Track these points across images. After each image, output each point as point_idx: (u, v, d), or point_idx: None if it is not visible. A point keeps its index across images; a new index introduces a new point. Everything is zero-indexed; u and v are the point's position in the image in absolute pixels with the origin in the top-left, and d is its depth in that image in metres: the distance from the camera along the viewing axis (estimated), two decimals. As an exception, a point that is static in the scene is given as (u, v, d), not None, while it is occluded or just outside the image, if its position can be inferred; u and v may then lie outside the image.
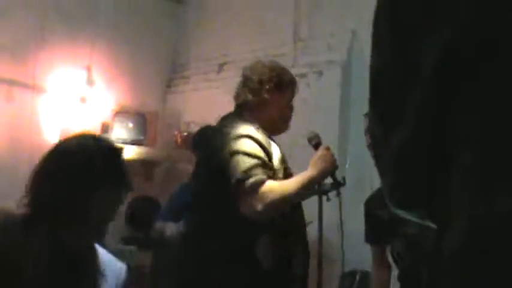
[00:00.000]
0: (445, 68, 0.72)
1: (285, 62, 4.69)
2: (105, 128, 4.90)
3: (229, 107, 5.16)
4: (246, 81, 2.66)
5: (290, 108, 2.74)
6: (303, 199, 2.68)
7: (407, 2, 0.79)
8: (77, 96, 4.90)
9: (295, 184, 2.42)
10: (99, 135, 1.98)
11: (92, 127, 4.87)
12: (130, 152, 4.79)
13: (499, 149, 0.67)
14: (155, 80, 5.53)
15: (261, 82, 2.62)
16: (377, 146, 0.83)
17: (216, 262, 2.35)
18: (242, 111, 2.62)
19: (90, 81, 4.99)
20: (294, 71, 4.56)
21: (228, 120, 2.59)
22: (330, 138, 4.16)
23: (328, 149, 2.55)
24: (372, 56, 0.83)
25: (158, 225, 3.88)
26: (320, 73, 4.29)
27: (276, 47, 4.72)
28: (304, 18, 4.59)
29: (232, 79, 5.12)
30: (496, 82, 0.69)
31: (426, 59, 0.73)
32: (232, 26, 5.15)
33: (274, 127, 2.65)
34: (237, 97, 2.69)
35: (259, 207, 2.29)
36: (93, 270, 1.82)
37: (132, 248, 4.65)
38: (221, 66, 5.21)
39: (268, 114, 2.61)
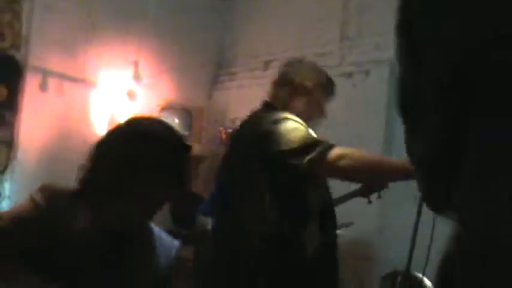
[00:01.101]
0: (455, 87, 0.75)
1: (332, 61, 4.67)
2: (152, 122, 4.97)
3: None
4: (288, 82, 2.62)
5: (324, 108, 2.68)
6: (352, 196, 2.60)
7: (418, 23, 0.85)
8: (124, 91, 4.98)
9: (389, 161, 2.32)
10: (171, 125, 1.86)
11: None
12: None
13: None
14: (201, 76, 5.57)
15: (305, 84, 2.59)
16: (408, 156, 0.86)
17: (263, 247, 2.28)
18: (277, 107, 2.57)
19: (137, 77, 5.06)
20: (340, 70, 4.56)
21: (264, 111, 2.54)
22: (375, 139, 4.12)
23: None
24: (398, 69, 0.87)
25: (200, 219, 3.93)
26: (367, 72, 4.26)
27: (322, 45, 4.70)
28: (352, 16, 4.55)
29: (278, 77, 5.14)
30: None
31: (437, 76, 0.77)
32: (279, 23, 5.14)
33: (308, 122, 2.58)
34: (274, 97, 2.64)
35: (342, 162, 2.20)
36: (143, 246, 1.80)
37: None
38: (267, 64, 5.21)
39: (307, 113, 2.57)
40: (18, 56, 4.52)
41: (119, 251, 1.74)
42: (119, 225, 1.73)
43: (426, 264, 2.51)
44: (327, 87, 2.65)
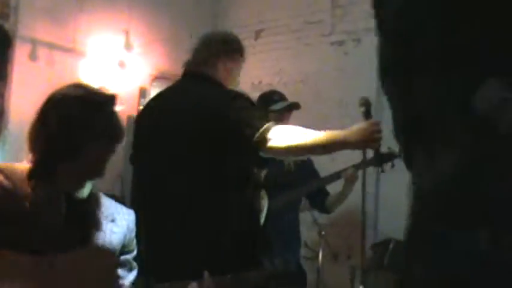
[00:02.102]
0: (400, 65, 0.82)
1: (323, 30, 4.66)
2: (143, 92, 4.95)
3: (264, 73, 5.16)
4: (212, 49, 2.66)
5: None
6: (360, 167, 2.58)
7: None
8: (115, 61, 4.95)
9: (321, 137, 2.31)
10: (91, 86, 2.00)
11: (130, 91, 4.92)
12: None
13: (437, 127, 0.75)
14: (193, 45, 5.53)
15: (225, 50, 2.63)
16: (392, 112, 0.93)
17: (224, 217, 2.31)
18: (209, 77, 2.59)
19: (128, 46, 5.02)
20: (331, 39, 4.55)
21: (203, 85, 2.55)
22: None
23: (376, 124, 2.37)
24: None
25: None
26: (358, 40, 4.25)
27: (313, 14, 4.68)
28: (343, -16, 4.53)
29: (268, 46, 5.12)
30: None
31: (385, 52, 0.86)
32: (271, -8, 5.11)
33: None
34: (203, 64, 2.65)
35: (274, 142, 2.24)
36: (98, 215, 1.90)
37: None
38: (258, 33, 5.19)
39: (230, 81, 2.60)
40: (7, 25, 4.47)
41: (78, 220, 1.85)
42: (72, 186, 1.86)
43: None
44: (243, 51, 2.71)
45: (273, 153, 2.30)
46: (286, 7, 4.94)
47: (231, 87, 2.56)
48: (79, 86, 1.95)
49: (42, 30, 4.62)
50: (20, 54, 4.52)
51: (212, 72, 2.57)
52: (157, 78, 5.06)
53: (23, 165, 1.85)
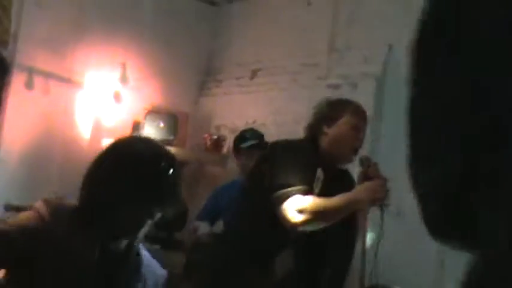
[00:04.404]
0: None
1: (319, 73, 4.69)
2: (136, 126, 4.94)
3: (259, 112, 5.16)
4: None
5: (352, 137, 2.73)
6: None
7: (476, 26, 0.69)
8: (110, 93, 4.96)
9: (338, 202, 2.41)
10: (162, 144, 1.97)
11: (123, 124, 4.92)
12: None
13: None
14: (188, 81, 5.57)
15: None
16: (417, 172, 0.78)
17: (236, 264, 2.36)
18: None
19: (124, 79, 5.04)
20: (327, 82, 4.57)
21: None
22: (361, 151, 4.13)
23: (385, 181, 2.49)
24: (416, 88, 0.76)
25: (194, 224, 3.98)
26: (354, 85, 4.27)
27: (310, 57, 4.72)
28: (340, 28, 4.57)
29: (264, 85, 5.15)
30: None
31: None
32: (268, 33, 5.15)
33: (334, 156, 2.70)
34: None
35: (296, 218, 2.30)
36: (133, 272, 1.85)
37: (156, 247, 4.66)
38: (254, 72, 5.22)
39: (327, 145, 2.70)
40: (5, 53, 4.48)
41: (111, 274, 1.80)
42: (111, 238, 1.82)
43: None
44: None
45: (298, 228, 2.36)
46: (283, 48, 4.98)
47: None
48: (152, 144, 1.91)
49: (40, 59, 4.64)
50: (16, 82, 4.52)
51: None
52: (151, 112, 5.07)
53: (71, 204, 1.82)
